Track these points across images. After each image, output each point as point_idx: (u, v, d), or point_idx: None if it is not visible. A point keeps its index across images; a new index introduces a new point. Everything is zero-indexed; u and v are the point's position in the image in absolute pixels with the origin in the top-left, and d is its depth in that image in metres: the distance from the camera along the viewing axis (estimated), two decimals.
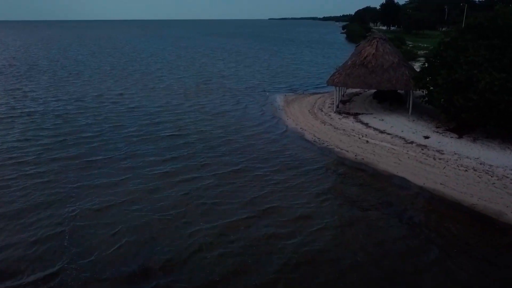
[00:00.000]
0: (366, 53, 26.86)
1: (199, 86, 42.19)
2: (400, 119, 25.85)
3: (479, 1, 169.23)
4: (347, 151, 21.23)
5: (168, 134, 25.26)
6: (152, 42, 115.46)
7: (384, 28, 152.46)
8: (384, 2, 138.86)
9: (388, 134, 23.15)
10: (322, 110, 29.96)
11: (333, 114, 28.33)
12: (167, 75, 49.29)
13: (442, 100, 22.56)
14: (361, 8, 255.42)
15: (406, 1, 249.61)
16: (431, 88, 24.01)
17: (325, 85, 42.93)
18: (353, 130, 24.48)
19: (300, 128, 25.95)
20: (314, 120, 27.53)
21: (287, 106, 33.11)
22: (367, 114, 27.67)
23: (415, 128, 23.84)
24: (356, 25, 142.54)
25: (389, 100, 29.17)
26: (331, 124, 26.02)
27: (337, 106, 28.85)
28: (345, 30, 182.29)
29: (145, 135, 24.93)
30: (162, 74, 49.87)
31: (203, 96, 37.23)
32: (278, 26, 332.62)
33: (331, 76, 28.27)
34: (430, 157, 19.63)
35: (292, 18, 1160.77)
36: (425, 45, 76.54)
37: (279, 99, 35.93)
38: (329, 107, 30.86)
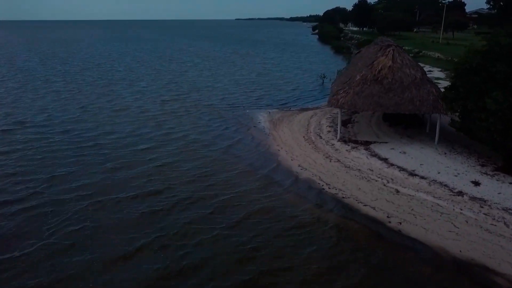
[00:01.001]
0: (381, 65, 20.78)
1: (166, 104, 34.65)
2: (427, 151, 19.93)
3: (448, 1, 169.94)
4: (375, 209, 14.96)
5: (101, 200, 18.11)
6: (114, 45, 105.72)
7: (356, 29, 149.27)
8: (357, 2, 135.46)
9: (423, 178, 17.09)
10: (320, 136, 23.66)
11: (337, 143, 22.08)
12: (127, 88, 41.40)
13: (493, 132, 16.71)
14: (328, 8, 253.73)
15: (374, 1, 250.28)
16: (469, 113, 18.20)
17: (315, 98, 37.63)
18: (372, 170, 18.28)
19: (298, 166, 19.52)
20: (314, 152, 21.18)
21: (275, 128, 26.63)
22: (380, 143, 21.62)
23: (454, 167, 17.93)
24: (330, 26, 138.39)
25: (404, 123, 23.28)
26: (339, 160, 19.74)
27: (342, 136, 22.61)
28: (316, 31, 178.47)
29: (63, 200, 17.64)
30: (121, 88, 41.79)
31: (171, 119, 29.76)
32: (247, 27, 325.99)
33: (333, 95, 22.01)
34: (499, 221, 13.67)
35: (259, 19, 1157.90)
36: (407, 47, 72.41)
37: (263, 119, 29.40)
38: (328, 131, 24.63)
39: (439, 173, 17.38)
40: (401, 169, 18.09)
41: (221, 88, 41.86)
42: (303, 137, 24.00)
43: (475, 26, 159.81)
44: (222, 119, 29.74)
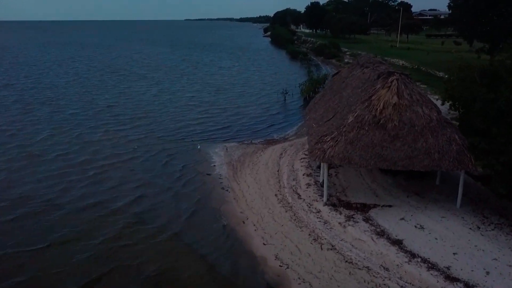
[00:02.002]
0: (382, 102, 14.80)
1: (94, 141, 26.46)
2: (452, 224, 14.24)
3: (397, 4, 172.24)
4: None
5: None
6: (48, 52, 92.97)
7: (308, 31, 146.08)
8: (309, 4, 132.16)
9: (469, 286, 11.22)
10: (299, 195, 17.35)
11: (323, 208, 15.89)
12: (48, 117, 32.66)
13: None
14: (278, 10, 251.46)
15: (324, 3, 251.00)
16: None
17: (280, 122, 31.30)
18: (387, 269, 12.20)
19: (276, 258, 13.12)
20: (294, 227, 14.84)
21: (235, 176, 20.08)
22: (382, 206, 15.70)
23: (504, 258, 12.28)
24: (282, 29, 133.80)
25: (403, 173, 17.53)
26: (333, 246, 13.51)
27: (328, 195, 16.41)
28: (268, 33, 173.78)
29: None
30: (38, 117, 32.92)
31: (97, 171, 22.08)
32: (197, 29, 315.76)
33: (316, 142, 15.72)
34: None
35: (208, 19, 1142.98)
36: (366, 53, 68.58)
37: (219, 160, 22.74)
38: (307, 183, 18.36)
39: (487, 273, 11.63)
40: (429, 264, 12.17)
41: (170, 113, 34.09)
42: (275, 195, 17.58)
43: (425, 28, 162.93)
44: (166, 164, 22.54)
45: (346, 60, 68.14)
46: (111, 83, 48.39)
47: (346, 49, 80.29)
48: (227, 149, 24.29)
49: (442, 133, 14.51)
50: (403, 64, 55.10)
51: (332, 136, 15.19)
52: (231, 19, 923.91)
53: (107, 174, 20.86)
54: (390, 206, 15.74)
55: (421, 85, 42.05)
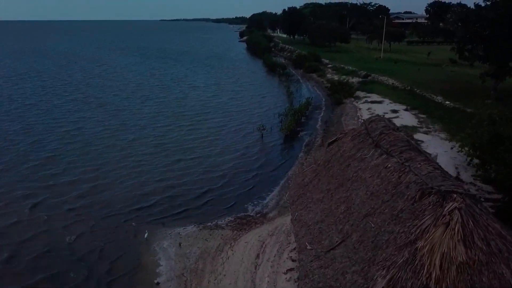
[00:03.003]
0: (437, 257, 8.06)
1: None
2: None
3: (375, 8, 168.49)
4: None
5: None
6: (6, 65, 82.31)
7: (286, 36, 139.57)
8: (286, 9, 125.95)
9: None
10: None
11: None
12: None
13: None
14: (254, 10, 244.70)
15: (300, 6, 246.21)
16: None
17: (261, 184, 23.60)
18: None
19: None
20: None
21: None
22: None
23: None
24: (259, 35, 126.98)
25: None
26: None
27: None
28: (244, 38, 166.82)
29: None
30: None
31: None
32: (171, 31, 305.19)
33: None
34: None
35: (184, 20, 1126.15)
36: (350, 67, 62.75)
37: (167, 267, 15.70)
38: None
39: None
40: None
41: (110, 182, 24.04)
42: None
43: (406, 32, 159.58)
44: (86, 281, 15.19)
45: (328, 76, 62.00)
46: (54, 115, 39.67)
47: (327, 61, 74.26)
48: (180, 245, 17.16)
49: None
50: (393, 83, 49.17)
51: None
52: (207, 20, 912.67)
53: None
54: None
55: (420, 115, 36.12)
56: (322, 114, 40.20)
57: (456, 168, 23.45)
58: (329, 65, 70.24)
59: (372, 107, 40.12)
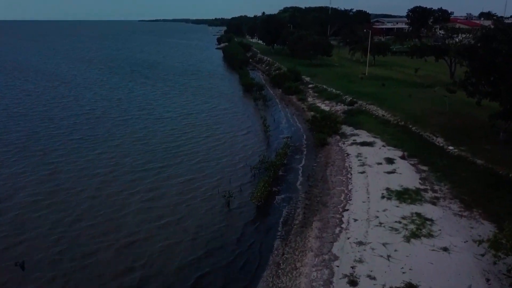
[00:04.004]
0: None
1: None
2: None
3: (353, 13, 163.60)
4: None
5: None
6: None
7: (263, 43, 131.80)
8: (263, 14, 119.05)
9: None
10: None
11: None
12: None
13: None
14: (234, 11, 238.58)
15: (280, 10, 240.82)
16: None
17: None
18: None
19: None
20: None
21: None
22: None
23: None
24: (236, 45, 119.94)
25: None
26: None
27: None
28: (222, 45, 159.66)
29: None
30: None
31: None
32: (148, 34, 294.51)
33: None
34: None
35: (163, 20, 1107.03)
36: (333, 89, 56.27)
37: None
38: None
39: None
40: None
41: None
42: None
43: (383, 38, 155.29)
44: None
45: (310, 100, 55.67)
46: None
47: (308, 79, 68.00)
48: None
49: None
50: (383, 115, 43.04)
51: None
52: (187, 21, 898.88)
53: None
54: None
55: (421, 166, 30.00)
56: (303, 162, 33.59)
57: (488, 280, 17.14)
58: (310, 85, 63.94)
59: (363, 152, 33.82)
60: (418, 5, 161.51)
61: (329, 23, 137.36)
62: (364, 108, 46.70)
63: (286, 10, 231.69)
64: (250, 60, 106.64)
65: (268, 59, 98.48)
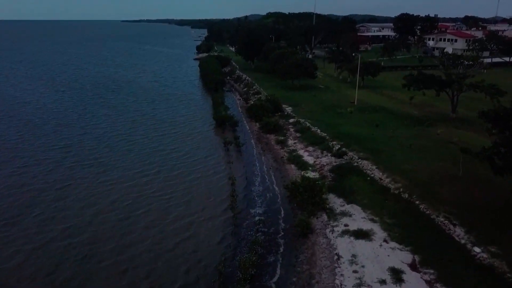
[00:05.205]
0: None
1: None
2: None
3: (339, 19, 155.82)
4: None
5: None
6: None
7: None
8: (246, 31, 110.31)
9: None
10: None
11: None
12: None
13: None
14: (217, 13, 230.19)
15: (263, 15, 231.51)
16: None
17: None
18: None
19: None
20: None
21: None
22: None
23: None
24: (214, 61, 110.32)
25: None
26: None
27: None
28: (200, 55, 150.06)
29: None
30: None
31: None
32: (125, 38, 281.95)
33: None
34: None
35: (147, 20, 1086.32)
36: (318, 130, 47.67)
37: None
38: None
39: None
40: None
41: None
42: None
43: (369, 47, 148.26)
44: None
45: (290, 143, 46.92)
46: None
47: (289, 109, 59.40)
48: None
49: None
50: (381, 179, 34.42)
51: None
52: (170, 21, 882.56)
53: None
54: None
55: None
56: (278, 273, 24.60)
57: None
58: (292, 119, 55.19)
59: (358, 252, 25.12)
60: (404, 13, 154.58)
61: (313, 32, 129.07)
62: (356, 164, 38.02)
63: (269, 15, 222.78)
64: (228, 77, 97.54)
65: (247, 78, 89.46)
